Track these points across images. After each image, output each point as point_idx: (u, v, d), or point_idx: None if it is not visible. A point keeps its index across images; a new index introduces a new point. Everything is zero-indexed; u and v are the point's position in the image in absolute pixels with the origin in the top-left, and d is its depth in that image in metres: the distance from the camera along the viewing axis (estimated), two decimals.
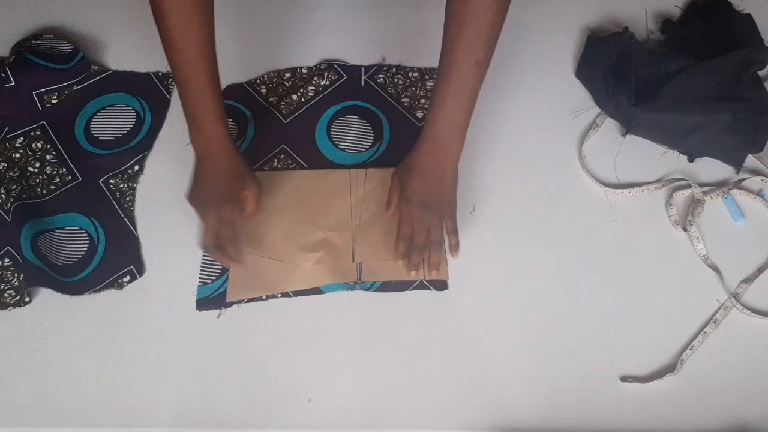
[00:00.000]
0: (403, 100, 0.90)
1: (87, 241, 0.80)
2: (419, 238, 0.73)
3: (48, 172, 0.85)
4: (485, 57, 0.70)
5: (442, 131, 0.73)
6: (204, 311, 0.75)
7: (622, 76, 0.86)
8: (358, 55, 0.95)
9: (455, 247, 0.74)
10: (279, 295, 0.76)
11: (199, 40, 0.69)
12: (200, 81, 0.70)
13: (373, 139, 0.87)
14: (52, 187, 0.83)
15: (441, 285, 0.77)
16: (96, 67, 0.93)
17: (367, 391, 0.71)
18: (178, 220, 0.81)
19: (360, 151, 0.86)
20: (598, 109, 0.90)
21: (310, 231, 0.79)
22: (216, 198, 0.72)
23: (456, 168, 0.75)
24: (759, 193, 0.83)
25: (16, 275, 0.76)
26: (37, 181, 0.84)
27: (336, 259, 0.77)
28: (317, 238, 0.79)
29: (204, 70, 0.70)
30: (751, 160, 0.85)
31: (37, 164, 0.85)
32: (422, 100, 0.90)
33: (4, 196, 0.81)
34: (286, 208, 0.82)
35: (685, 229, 0.80)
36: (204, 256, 0.78)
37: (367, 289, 0.76)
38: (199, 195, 0.74)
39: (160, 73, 0.93)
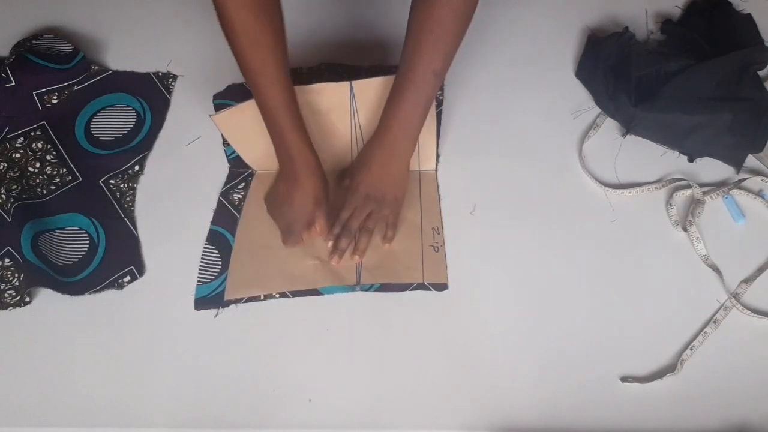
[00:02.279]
0: None
1: (87, 241, 0.80)
2: (353, 223, 0.77)
3: (48, 172, 0.85)
4: (443, 67, 0.73)
5: (394, 132, 0.76)
6: (204, 311, 0.75)
7: (622, 76, 0.87)
8: (359, 57, 0.95)
9: (389, 240, 0.78)
10: (277, 295, 0.76)
11: (270, 60, 0.70)
12: (279, 102, 0.72)
13: None
14: (53, 187, 0.84)
15: (441, 285, 0.76)
16: (96, 67, 0.94)
17: (367, 391, 0.71)
18: (178, 221, 0.81)
19: None
20: (598, 109, 0.90)
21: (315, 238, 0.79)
22: (287, 213, 0.77)
23: (406, 168, 0.79)
24: (759, 193, 0.83)
25: (16, 275, 0.76)
26: (38, 181, 0.84)
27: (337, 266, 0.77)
28: (318, 242, 0.79)
29: (280, 90, 0.71)
30: (751, 160, 0.85)
31: (38, 164, 0.85)
32: None
33: (4, 196, 0.81)
34: None
35: (685, 229, 0.80)
36: (204, 255, 0.78)
37: (367, 290, 0.76)
38: (273, 202, 0.80)
39: (160, 73, 0.94)
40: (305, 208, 0.76)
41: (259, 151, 0.82)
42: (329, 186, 0.78)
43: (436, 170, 0.85)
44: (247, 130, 0.79)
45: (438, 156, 0.86)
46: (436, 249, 0.79)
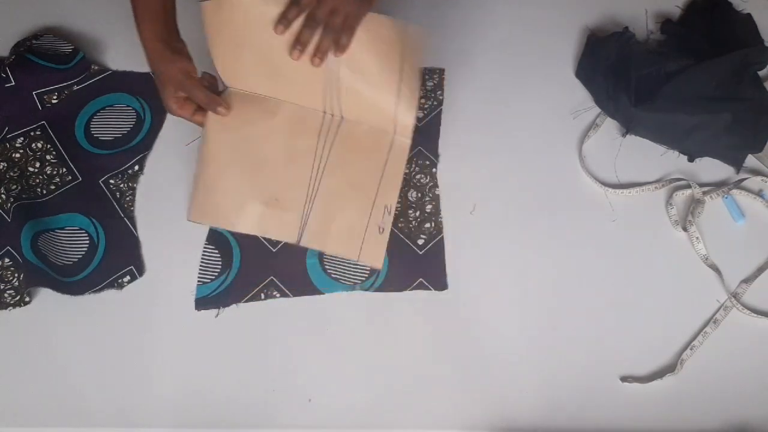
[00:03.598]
0: None
1: (87, 241, 0.80)
2: (318, 12, 0.66)
3: (48, 172, 0.85)
4: None
5: None
6: (204, 311, 0.75)
7: (622, 76, 0.86)
8: None
9: (342, 48, 0.67)
10: (278, 295, 0.76)
11: None
12: None
13: None
14: (52, 187, 0.84)
15: (441, 285, 0.76)
16: (96, 67, 0.93)
17: (367, 391, 0.71)
18: (178, 221, 0.81)
19: None
20: (598, 109, 0.90)
21: (265, 181, 0.74)
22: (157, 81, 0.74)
23: None
24: (759, 193, 0.83)
25: (16, 275, 0.76)
26: (37, 181, 0.84)
27: (283, 217, 0.73)
28: (271, 189, 0.73)
29: None
30: (751, 160, 0.85)
31: (37, 164, 0.85)
32: (422, 100, 0.89)
33: (4, 196, 0.81)
34: (249, 149, 0.75)
35: (685, 229, 0.80)
36: (204, 255, 0.78)
37: (367, 289, 0.76)
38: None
39: None
40: (172, 89, 0.72)
41: (241, 62, 0.73)
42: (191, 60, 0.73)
43: (411, 142, 0.75)
44: (237, 33, 0.71)
45: (438, 155, 0.85)
46: (381, 230, 0.73)
